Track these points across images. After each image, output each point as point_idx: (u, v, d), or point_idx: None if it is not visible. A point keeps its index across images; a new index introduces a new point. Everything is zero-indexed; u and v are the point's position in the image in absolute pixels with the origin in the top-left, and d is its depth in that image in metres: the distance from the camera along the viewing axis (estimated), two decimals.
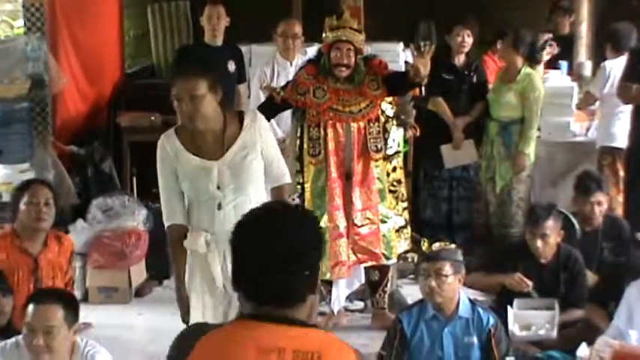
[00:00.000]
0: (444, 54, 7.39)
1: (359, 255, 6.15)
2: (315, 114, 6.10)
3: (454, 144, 7.52)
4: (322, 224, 5.87)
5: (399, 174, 6.38)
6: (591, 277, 6.00)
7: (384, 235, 6.19)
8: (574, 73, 8.98)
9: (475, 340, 4.74)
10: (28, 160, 7.32)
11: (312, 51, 7.68)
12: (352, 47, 6.03)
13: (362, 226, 6.13)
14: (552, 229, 5.74)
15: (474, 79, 7.66)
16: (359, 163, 6.12)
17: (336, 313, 6.42)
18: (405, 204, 6.41)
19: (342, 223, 6.10)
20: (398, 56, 8.16)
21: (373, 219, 6.15)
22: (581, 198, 6.25)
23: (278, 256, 2.44)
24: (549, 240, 5.74)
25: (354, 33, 6.08)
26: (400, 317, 4.90)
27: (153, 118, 8.33)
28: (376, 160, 6.16)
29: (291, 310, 2.47)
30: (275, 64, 7.16)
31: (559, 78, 8.31)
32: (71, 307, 4.08)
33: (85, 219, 7.31)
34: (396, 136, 6.37)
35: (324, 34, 6.13)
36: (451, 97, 7.43)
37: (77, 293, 6.51)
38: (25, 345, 4.01)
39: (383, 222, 6.19)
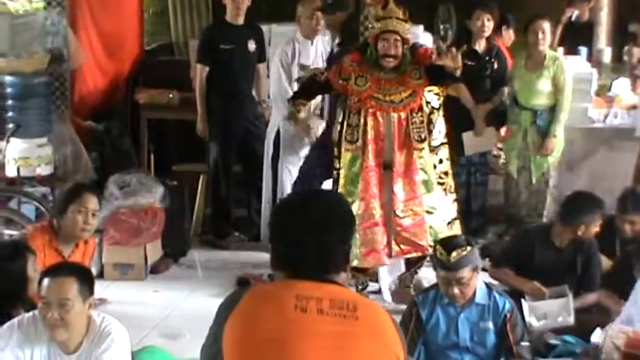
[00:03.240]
0: (465, 39, 7.36)
1: (402, 246, 6.12)
2: (357, 101, 6.08)
3: (476, 131, 7.49)
4: (355, 211, 5.93)
5: (446, 166, 6.32)
6: (605, 263, 6.00)
7: (431, 227, 6.14)
8: (593, 59, 8.95)
9: (491, 325, 4.73)
10: (46, 135, 7.31)
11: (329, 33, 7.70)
12: (399, 37, 6.00)
13: (404, 217, 6.09)
14: (588, 216, 5.74)
15: (495, 65, 7.61)
16: (401, 154, 6.09)
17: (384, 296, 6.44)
18: (455, 195, 6.35)
19: (377, 211, 6.07)
20: (418, 39, 8.10)
21: (417, 210, 6.11)
22: (619, 213, 6.05)
23: (312, 230, 2.62)
24: (583, 232, 5.77)
25: (401, 23, 6.04)
26: (416, 301, 4.89)
27: (171, 95, 8.35)
28: (420, 150, 6.11)
29: (327, 275, 2.65)
30: (296, 43, 7.14)
31: (578, 64, 8.26)
32: (86, 280, 4.07)
33: (102, 195, 7.31)
34: (442, 127, 6.30)
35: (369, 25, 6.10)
36: (473, 83, 7.37)
37: (93, 270, 6.52)
38: (40, 319, 4.02)
39: (429, 213, 6.15)
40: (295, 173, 7.14)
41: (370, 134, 6.04)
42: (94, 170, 7.90)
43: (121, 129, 8.41)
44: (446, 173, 6.31)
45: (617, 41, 9.77)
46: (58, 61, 7.70)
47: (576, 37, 8.88)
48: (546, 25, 7.27)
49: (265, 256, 6.65)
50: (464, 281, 4.62)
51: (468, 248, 4.64)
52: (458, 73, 5.95)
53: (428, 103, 6.18)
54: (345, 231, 2.70)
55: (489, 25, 7.51)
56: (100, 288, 6.07)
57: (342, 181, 6.14)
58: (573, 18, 9.25)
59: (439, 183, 6.24)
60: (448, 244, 4.71)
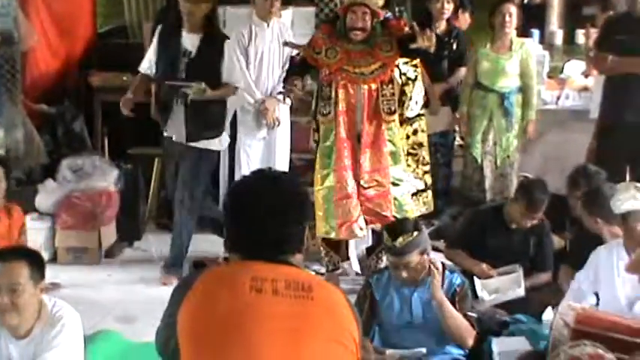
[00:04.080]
0: (425, 21, 7.37)
1: (366, 217, 6.13)
2: (328, 73, 6.10)
3: (431, 110, 7.49)
4: (329, 183, 6.04)
5: (421, 137, 6.34)
6: (557, 242, 6.08)
7: (395, 199, 6.16)
8: (545, 41, 9.02)
9: None
10: None
11: (286, 15, 7.68)
12: (368, 11, 6.01)
13: (369, 187, 6.10)
14: (546, 203, 5.85)
15: (454, 47, 7.63)
16: (370, 125, 6.09)
17: (352, 271, 6.53)
18: (427, 167, 6.37)
19: (350, 183, 6.08)
20: None
21: (382, 181, 6.12)
22: (570, 190, 6.15)
23: (269, 212, 2.64)
24: (537, 219, 5.87)
25: None
26: (370, 281, 4.92)
27: (125, 78, 8.27)
28: (389, 122, 6.12)
29: (285, 258, 2.67)
30: (252, 25, 7.10)
31: (531, 46, 8.30)
32: (36, 264, 4.02)
33: (54, 179, 7.26)
34: (419, 98, 6.32)
35: None
36: (429, 63, 7.39)
37: (46, 254, 6.52)
38: None
39: (395, 185, 6.16)
40: (253, 155, 7.13)
41: (341, 106, 6.06)
42: (47, 154, 7.83)
43: (74, 112, 8.33)
44: (420, 144, 6.33)
45: (569, 24, 9.87)
46: (8, 43, 7.60)
47: (529, 19, 8.92)
48: (513, 9, 7.29)
49: (221, 239, 6.71)
50: (412, 265, 4.64)
51: (415, 233, 4.63)
52: (430, 49, 5.96)
53: (403, 74, 6.20)
54: (300, 213, 2.72)
55: (449, 8, 7.57)
56: (54, 272, 6.02)
57: (318, 153, 6.18)
58: (526, 0, 9.30)
59: (412, 154, 6.26)
60: (394, 229, 4.71)
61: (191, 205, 6.52)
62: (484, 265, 5.77)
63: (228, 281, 2.58)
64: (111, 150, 8.48)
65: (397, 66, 6.16)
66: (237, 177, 7.16)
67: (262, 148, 7.20)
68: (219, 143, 6.61)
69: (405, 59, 6.15)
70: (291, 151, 7.42)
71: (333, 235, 6.15)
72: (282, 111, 7.17)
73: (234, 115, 7.24)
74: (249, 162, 7.09)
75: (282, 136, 7.27)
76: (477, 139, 7.46)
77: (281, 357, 2.48)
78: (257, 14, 7.11)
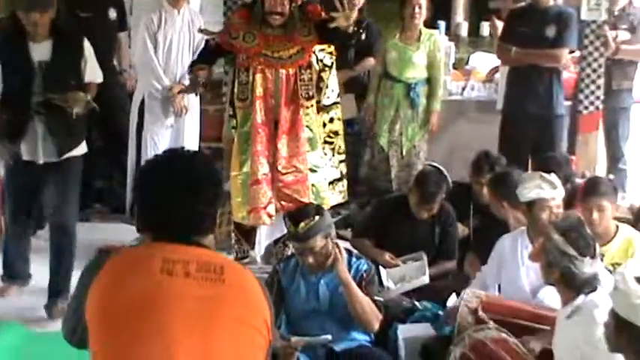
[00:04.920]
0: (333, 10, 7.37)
1: (283, 202, 6.10)
2: (245, 58, 6.03)
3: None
4: (246, 169, 6.00)
5: (337, 125, 6.31)
6: (462, 230, 6.18)
7: (313, 185, 6.15)
8: (451, 32, 9.14)
9: None
10: None
11: (194, 2, 7.63)
12: None
13: (287, 173, 6.08)
14: (439, 201, 5.92)
15: (363, 37, 7.66)
16: (288, 110, 6.05)
17: (258, 259, 6.50)
18: (342, 157, 6.35)
19: (262, 169, 6.04)
20: None
21: (300, 167, 6.10)
22: (474, 176, 6.30)
23: (182, 192, 2.62)
24: (435, 209, 5.93)
25: None
26: (277, 268, 4.93)
27: None
28: (307, 108, 6.09)
29: (197, 239, 2.66)
30: (162, 11, 7.03)
31: (439, 38, 8.39)
32: None
33: None
34: (335, 86, 6.29)
35: None
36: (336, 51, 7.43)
37: None
38: None
39: (312, 171, 6.15)
40: (160, 143, 7.06)
41: (259, 91, 6.01)
42: None
43: None
44: (336, 132, 6.31)
45: (474, 16, 10.04)
46: None
47: (435, 10, 9.03)
48: (423, 0, 7.32)
49: (128, 228, 6.64)
50: (316, 250, 4.66)
51: (317, 218, 4.66)
52: (349, 29, 5.97)
53: (320, 60, 6.16)
54: (213, 193, 2.71)
55: None
56: None
57: (236, 138, 6.12)
58: None
59: (328, 142, 6.26)
60: (295, 215, 4.74)
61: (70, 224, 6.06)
62: (387, 255, 5.84)
63: (138, 263, 2.55)
64: None
65: (314, 52, 6.14)
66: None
67: (170, 136, 7.14)
68: (83, 146, 6.05)
69: (322, 46, 6.14)
70: (200, 139, 7.36)
71: (246, 222, 6.13)
72: (190, 98, 7.10)
73: (142, 102, 7.17)
74: (156, 150, 6.98)
75: (191, 124, 7.22)
76: (383, 128, 7.50)
77: (193, 341, 2.46)
78: (168, 1, 7.05)
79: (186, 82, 6.71)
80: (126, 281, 2.51)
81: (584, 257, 4.01)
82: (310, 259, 4.68)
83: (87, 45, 5.83)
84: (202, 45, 6.61)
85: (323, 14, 6.03)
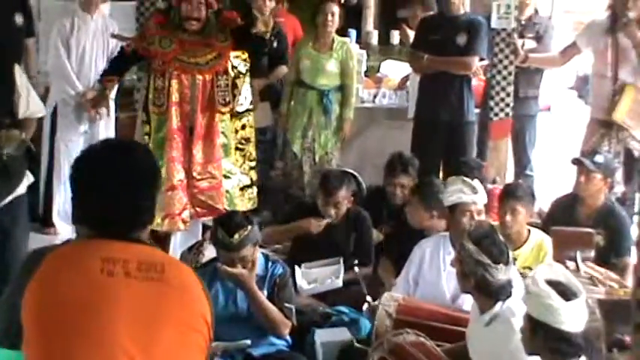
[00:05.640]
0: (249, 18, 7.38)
1: (198, 209, 6.07)
2: (161, 64, 5.98)
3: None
4: (162, 175, 5.87)
5: (249, 132, 6.28)
6: (376, 236, 6.25)
7: (227, 191, 6.13)
8: (362, 41, 9.22)
9: (265, 292, 4.82)
10: None
11: (105, 7, 7.55)
12: (203, 0, 5.95)
13: (201, 179, 6.04)
14: (344, 197, 5.96)
15: (275, 44, 7.69)
16: (203, 117, 6.02)
17: None
18: (253, 163, 6.32)
19: (178, 175, 5.99)
20: None
21: (215, 174, 6.08)
22: (387, 178, 6.43)
23: (121, 185, 2.56)
24: (341, 207, 5.95)
25: None
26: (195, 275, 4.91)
27: None
28: (222, 114, 6.07)
29: (133, 232, 2.60)
30: (75, 17, 6.94)
31: (352, 46, 8.46)
32: None
33: None
34: (248, 94, 6.27)
35: None
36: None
37: None
38: None
39: (226, 177, 6.13)
40: (73, 150, 6.95)
41: (175, 97, 5.96)
42: None
43: None
44: (247, 139, 6.28)
45: (383, 25, 10.16)
46: None
47: (346, 19, 9.12)
48: (336, 8, 7.39)
49: (40, 237, 6.51)
50: (246, 258, 4.69)
51: (249, 227, 4.69)
52: (266, 35, 5.99)
53: (234, 67, 6.14)
54: (152, 184, 2.66)
55: (270, 5, 7.59)
56: None
57: (150, 145, 6.02)
58: (342, 0, 9.48)
59: (239, 149, 6.24)
60: (229, 225, 4.71)
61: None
62: (312, 220, 5.93)
63: (76, 263, 2.48)
64: None
65: (229, 59, 6.14)
66: (56, 174, 7.00)
67: (84, 143, 7.04)
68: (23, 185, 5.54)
69: (236, 53, 6.14)
70: None
71: (159, 228, 6.08)
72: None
73: (55, 108, 7.06)
74: (69, 157, 6.90)
75: (105, 130, 7.14)
76: (296, 135, 7.54)
77: (134, 344, 2.42)
78: (80, 6, 6.96)
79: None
80: (65, 282, 2.45)
81: (498, 265, 4.07)
82: (240, 269, 4.68)
83: (18, 75, 5.34)
84: (117, 51, 6.56)
85: (239, 20, 6.04)
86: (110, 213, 2.55)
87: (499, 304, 4.10)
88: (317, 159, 7.52)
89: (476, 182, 5.21)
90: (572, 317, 3.37)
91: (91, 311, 2.42)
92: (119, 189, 2.55)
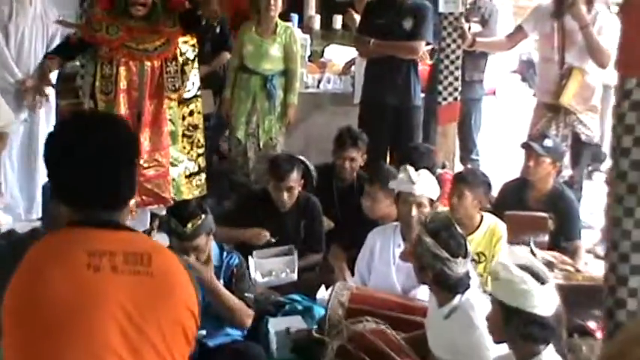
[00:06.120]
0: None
1: (144, 197, 5.95)
2: (108, 51, 5.86)
3: None
4: None
5: (197, 118, 6.19)
6: (327, 223, 6.20)
7: (173, 180, 6.04)
8: (304, 25, 9.15)
9: (222, 282, 4.73)
10: None
11: None
12: None
13: (148, 167, 5.93)
14: (296, 181, 5.90)
15: (217, 30, 7.59)
16: (151, 104, 5.91)
17: None
18: (201, 150, 6.22)
19: None
20: None
21: (162, 161, 5.98)
22: (337, 151, 6.40)
23: (101, 157, 2.45)
24: (294, 192, 5.89)
25: None
26: None
27: None
28: (171, 100, 5.98)
29: (117, 214, 2.49)
30: (13, 2, 6.74)
31: (295, 31, 8.39)
32: None
33: None
34: (196, 79, 6.18)
35: None
36: None
37: None
38: None
39: (173, 165, 6.03)
40: (13, 138, 6.74)
41: (122, 84, 5.85)
42: None
43: None
44: (195, 126, 6.20)
45: (325, 9, 10.11)
46: None
47: (287, 3, 9.04)
48: None
49: None
50: (200, 248, 4.59)
51: (203, 216, 4.60)
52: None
53: (182, 54, 6.05)
54: (132, 157, 2.55)
55: None
56: None
57: None
58: None
59: (187, 135, 6.15)
60: (182, 214, 4.62)
61: None
62: (255, 229, 5.85)
63: (61, 258, 2.36)
64: None
65: (177, 45, 6.05)
66: None
67: (24, 131, 6.87)
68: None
69: (184, 39, 6.04)
70: None
71: None
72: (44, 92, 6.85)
73: None
74: (9, 147, 6.73)
75: (46, 118, 6.96)
76: (240, 120, 7.43)
77: (123, 344, 2.33)
78: None
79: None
80: (50, 280, 2.33)
81: (456, 258, 4.03)
82: (192, 257, 4.58)
83: None
84: (57, 36, 6.40)
85: (187, 4, 5.95)
86: (92, 187, 2.44)
87: (458, 296, 4.07)
88: (261, 145, 7.43)
89: (421, 172, 5.16)
90: (546, 301, 3.35)
91: (79, 311, 2.32)
92: (99, 161, 2.44)
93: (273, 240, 5.90)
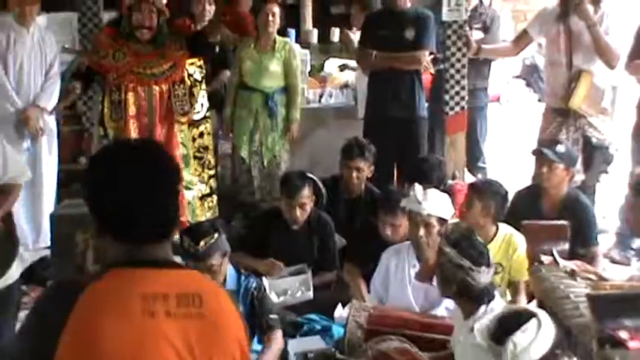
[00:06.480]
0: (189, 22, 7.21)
1: None
2: (116, 77, 5.83)
3: None
4: None
5: (207, 140, 6.15)
6: (340, 241, 6.11)
7: (189, 203, 5.99)
8: (302, 40, 9.08)
9: (242, 307, 4.65)
10: None
11: (41, 19, 7.28)
12: (154, 8, 5.79)
13: None
14: (307, 197, 5.81)
15: (217, 49, 7.51)
16: (162, 128, 5.89)
17: None
18: (212, 172, 6.19)
19: None
20: None
21: None
22: (344, 161, 6.34)
23: (152, 186, 2.33)
24: (306, 208, 5.80)
25: None
26: None
27: None
28: (182, 124, 5.93)
29: (162, 247, 2.36)
30: (11, 31, 6.66)
31: (294, 45, 8.29)
32: None
33: None
34: (204, 101, 6.13)
35: None
36: None
37: None
38: None
39: (187, 189, 5.97)
40: None
41: (131, 110, 5.83)
42: None
43: None
44: (205, 147, 6.17)
45: (321, 23, 10.03)
46: None
47: (284, 18, 8.98)
48: (276, 8, 7.19)
49: None
50: (214, 268, 4.54)
51: (216, 235, 4.56)
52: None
53: (190, 75, 6.00)
54: (176, 183, 2.42)
55: (211, 9, 7.40)
56: None
57: None
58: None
59: (197, 157, 6.09)
60: (194, 232, 4.60)
61: None
62: (270, 260, 5.76)
63: (115, 305, 2.22)
64: None
65: (185, 68, 6.00)
66: None
67: (26, 160, 6.76)
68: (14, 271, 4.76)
69: (191, 60, 5.98)
70: (60, 161, 7.01)
71: None
72: (47, 119, 6.77)
73: None
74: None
75: (48, 146, 6.87)
76: (243, 139, 7.33)
77: None
78: (16, 20, 6.68)
79: (41, 104, 6.45)
80: (107, 330, 2.19)
81: (479, 267, 3.98)
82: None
83: None
84: (55, 63, 6.33)
85: (192, 27, 5.91)
86: (145, 218, 2.31)
87: (482, 307, 3.99)
88: (265, 163, 7.33)
89: (429, 192, 5.08)
90: None
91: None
92: (151, 190, 2.32)
93: (291, 270, 5.81)
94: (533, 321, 3.20)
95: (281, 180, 6.14)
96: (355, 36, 7.79)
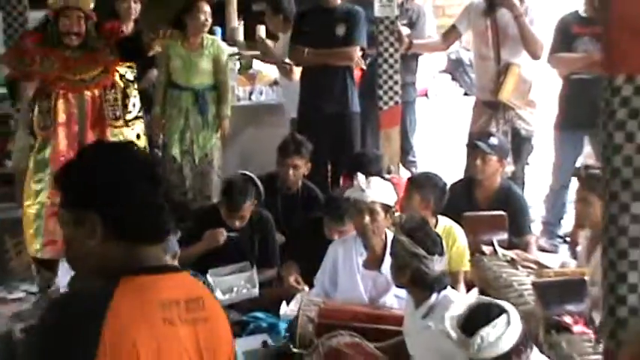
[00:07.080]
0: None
1: None
2: (45, 85, 5.68)
3: None
4: (41, 199, 5.60)
5: (144, 141, 6.08)
6: (279, 238, 6.14)
7: None
8: (228, 37, 9.07)
9: None
10: None
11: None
12: (82, 14, 5.68)
13: None
14: (249, 207, 5.87)
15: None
16: (94, 134, 5.76)
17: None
18: None
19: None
20: None
21: None
22: (281, 159, 6.35)
23: (152, 187, 2.30)
24: (247, 216, 5.86)
25: None
26: None
27: None
28: (115, 128, 5.83)
29: (163, 248, 2.39)
30: None
31: (222, 43, 8.27)
32: None
33: None
34: (137, 101, 6.04)
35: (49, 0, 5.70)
36: None
37: None
38: None
39: None
40: None
41: (61, 118, 5.69)
42: None
43: None
44: (144, 149, 6.09)
45: (245, 20, 10.04)
46: None
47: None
48: (207, 8, 7.17)
49: None
50: None
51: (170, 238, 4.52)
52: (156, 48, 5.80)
53: (122, 76, 5.92)
54: (166, 184, 2.39)
55: (136, 8, 7.33)
56: None
57: (32, 166, 5.78)
58: None
59: None
60: None
61: None
62: (208, 232, 5.81)
63: (143, 315, 2.19)
64: None
65: (116, 72, 5.92)
66: None
67: None
68: None
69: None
70: None
71: (39, 255, 5.80)
72: None
73: None
74: None
75: None
76: (174, 138, 7.28)
77: None
78: None
79: None
80: (140, 340, 2.17)
81: (432, 255, 4.06)
82: None
83: None
84: None
85: (122, 31, 5.85)
86: (153, 219, 2.28)
87: (434, 295, 4.08)
88: (197, 161, 7.30)
89: (372, 179, 5.12)
90: None
91: None
92: (152, 190, 2.29)
93: (232, 235, 5.82)
94: (504, 317, 3.28)
95: (223, 188, 6.11)
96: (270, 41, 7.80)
